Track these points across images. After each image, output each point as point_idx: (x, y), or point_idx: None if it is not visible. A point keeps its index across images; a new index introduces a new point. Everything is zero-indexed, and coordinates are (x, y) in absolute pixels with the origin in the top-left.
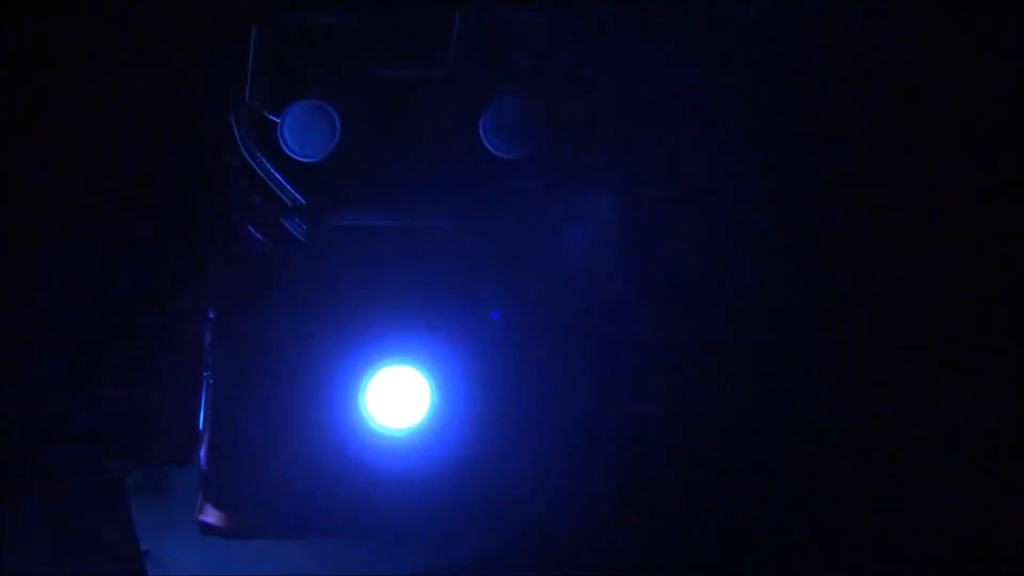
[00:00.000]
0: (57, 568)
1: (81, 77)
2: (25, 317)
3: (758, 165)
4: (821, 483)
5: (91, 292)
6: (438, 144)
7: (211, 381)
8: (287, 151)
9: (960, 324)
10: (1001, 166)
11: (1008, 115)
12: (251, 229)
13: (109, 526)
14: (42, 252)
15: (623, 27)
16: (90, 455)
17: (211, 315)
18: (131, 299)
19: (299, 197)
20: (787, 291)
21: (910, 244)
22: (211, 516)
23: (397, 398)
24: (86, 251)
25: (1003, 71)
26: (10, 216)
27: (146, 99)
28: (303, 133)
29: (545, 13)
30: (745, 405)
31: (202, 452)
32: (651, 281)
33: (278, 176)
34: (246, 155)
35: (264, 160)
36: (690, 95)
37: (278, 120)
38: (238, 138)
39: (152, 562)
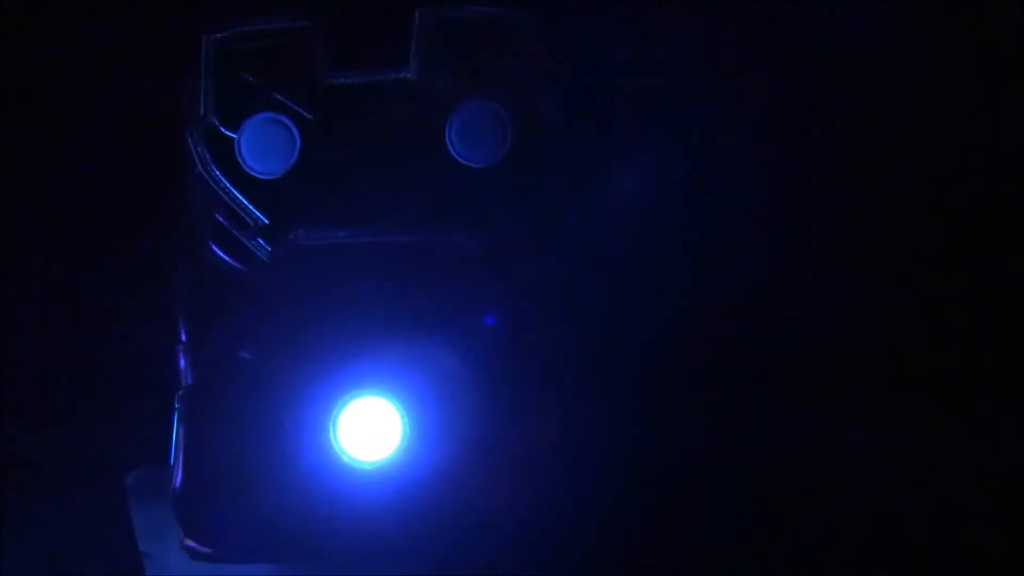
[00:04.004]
0: (57, 568)
1: (29, 93)
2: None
3: (744, 167)
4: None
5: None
6: (403, 155)
7: (181, 408)
8: (245, 169)
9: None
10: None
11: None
12: (215, 249)
13: (109, 526)
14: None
15: (599, 21)
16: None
17: (183, 338)
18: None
19: (261, 216)
20: (791, 294)
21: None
22: (192, 543)
23: (369, 430)
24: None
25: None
26: None
27: (103, 117)
28: (261, 149)
29: (512, 9)
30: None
31: (175, 481)
32: (639, 290)
33: (237, 195)
34: (204, 173)
35: (223, 178)
36: (670, 94)
37: (235, 136)
38: (196, 156)
39: (151, 563)
